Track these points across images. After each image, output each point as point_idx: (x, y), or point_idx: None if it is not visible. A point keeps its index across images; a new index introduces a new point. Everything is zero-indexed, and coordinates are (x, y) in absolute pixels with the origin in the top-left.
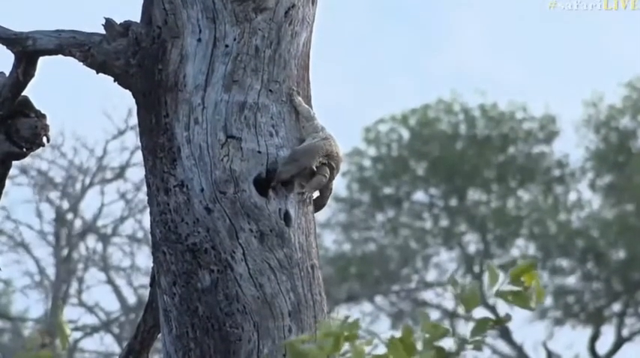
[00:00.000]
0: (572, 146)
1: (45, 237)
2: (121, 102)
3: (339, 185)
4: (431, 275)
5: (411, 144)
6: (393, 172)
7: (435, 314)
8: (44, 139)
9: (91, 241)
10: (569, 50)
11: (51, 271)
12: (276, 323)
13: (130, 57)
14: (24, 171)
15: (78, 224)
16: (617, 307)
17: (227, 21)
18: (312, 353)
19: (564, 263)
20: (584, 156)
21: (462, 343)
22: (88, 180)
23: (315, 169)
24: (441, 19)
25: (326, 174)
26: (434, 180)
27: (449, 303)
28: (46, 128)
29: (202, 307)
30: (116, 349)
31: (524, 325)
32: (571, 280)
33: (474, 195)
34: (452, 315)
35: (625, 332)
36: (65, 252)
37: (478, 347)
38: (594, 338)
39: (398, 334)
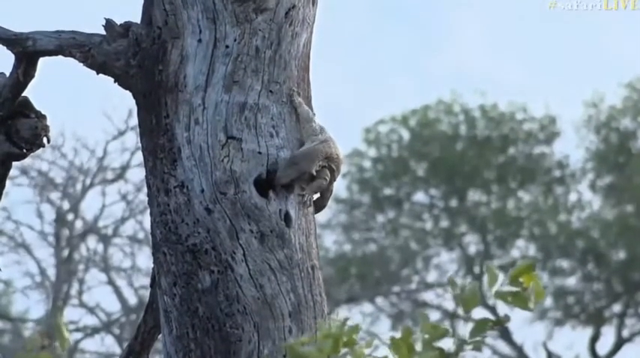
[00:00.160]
0: (572, 147)
1: (46, 238)
2: (122, 103)
3: (340, 186)
4: (431, 276)
5: (411, 144)
6: (394, 173)
7: (435, 315)
8: (44, 140)
9: (92, 242)
10: (569, 50)
11: (51, 272)
12: (277, 324)
13: (131, 58)
14: (24, 171)
15: (79, 225)
16: (617, 308)
17: (227, 22)
18: (311, 355)
19: (564, 263)
20: (585, 156)
21: (461, 344)
22: (88, 181)
23: (314, 173)
24: (440, 19)
25: (326, 177)
26: (434, 180)
27: (449, 304)
28: (46, 129)
29: (203, 308)
30: (117, 350)
31: (524, 325)
32: (571, 281)
33: (474, 195)
34: (452, 316)
35: (625, 333)
36: (66, 252)
37: (477, 347)
38: (594, 339)
39: (398, 335)
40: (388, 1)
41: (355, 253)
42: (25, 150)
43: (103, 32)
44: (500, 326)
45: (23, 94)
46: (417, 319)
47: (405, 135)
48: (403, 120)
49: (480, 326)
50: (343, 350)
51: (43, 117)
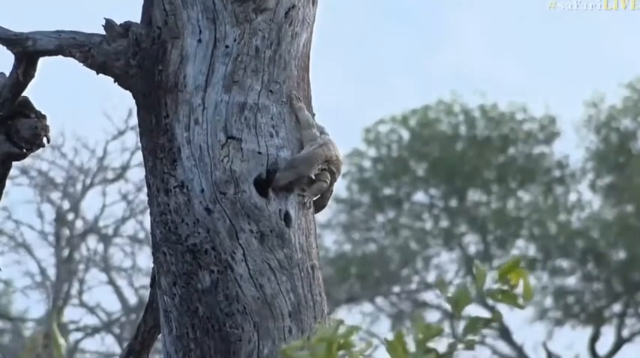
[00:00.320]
0: (572, 147)
1: (46, 238)
2: (122, 103)
3: (340, 186)
4: (431, 276)
5: (411, 144)
6: (393, 173)
7: (435, 315)
8: (44, 140)
9: (92, 242)
10: (569, 50)
11: (52, 272)
12: (277, 324)
13: (130, 58)
14: (24, 171)
15: (79, 224)
16: (617, 308)
17: (227, 22)
18: None
19: (564, 263)
20: (585, 156)
21: (453, 343)
22: (88, 181)
23: (314, 177)
24: (440, 19)
25: (326, 179)
26: (434, 180)
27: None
28: (46, 129)
29: (202, 307)
30: (117, 349)
31: (524, 325)
32: (571, 281)
33: (474, 195)
34: (452, 316)
35: (625, 333)
36: (66, 252)
37: (470, 346)
38: (594, 339)
39: (392, 337)
40: (388, 1)
41: (355, 253)
42: (25, 150)
43: (103, 32)
44: (497, 325)
45: (23, 94)
46: (418, 317)
47: (405, 135)
48: (403, 120)
49: (472, 326)
50: (340, 353)
51: (43, 117)
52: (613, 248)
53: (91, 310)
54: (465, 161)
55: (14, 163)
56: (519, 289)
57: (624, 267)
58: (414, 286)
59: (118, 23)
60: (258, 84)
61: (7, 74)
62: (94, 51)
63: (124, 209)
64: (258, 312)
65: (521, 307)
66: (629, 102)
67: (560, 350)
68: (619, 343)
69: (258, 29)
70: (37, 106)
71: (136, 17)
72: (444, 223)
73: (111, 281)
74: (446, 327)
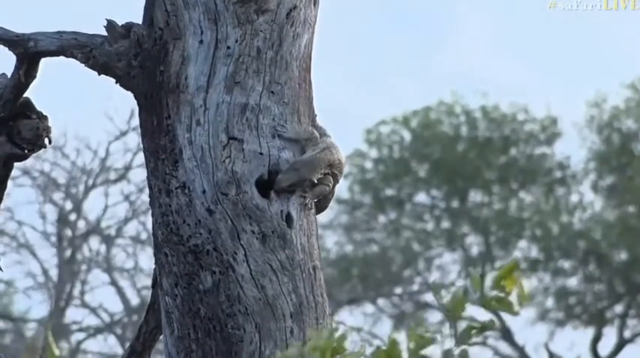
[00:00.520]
0: (573, 147)
1: (48, 239)
2: (123, 104)
3: (341, 186)
4: (433, 277)
5: (412, 145)
6: (395, 174)
7: (437, 317)
8: (46, 141)
9: (95, 242)
10: (569, 50)
11: (54, 272)
12: (278, 325)
13: (132, 58)
14: (27, 172)
15: (81, 225)
16: (619, 308)
17: (229, 22)
18: None
19: (566, 264)
20: (587, 156)
21: (448, 351)
22: (90, 182)
23: (316, 181)
24: (442, 20)
25: (329, 183)
26: (435, 181)
27: None
28: (47, 129)
29: (204, 308)
30: (119, 350)
31: (526, 326)
32: (573, 281)
33: (475, 196)
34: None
35: (627, 334)
36: (68, 253)
37: (464, 356)
38: (596, 340)
39: (397, 338)
40: (390, 1)
41: (357, 254)
42: (26, 151)
43: (105, 33)
44: (497, 326)
45: (25, 95)
46: (419, 320)
47: (407, 136)
48: (404, 121)
49: (467, 333)
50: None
51: (45, 118)
52: (615, 249)
53: (94, 311)
54: (466, 162)
55: (16, 164)
56: (516, 295)
57: (626, 267)
58: (415, 287)
59: (120, 24)
60: (259, 85)
61: (9, 75)
62: (95, 52)
63: (126, 210)
64: (259, 313)
65: (516, 314)
66: (631, 102)
67: (561, 351)
68: (621, 344)
69: (260, 30)
70: (39, 107)
71: (138, 18)
72: (446, 224)
73: (113, 282)
74: (447, 328)
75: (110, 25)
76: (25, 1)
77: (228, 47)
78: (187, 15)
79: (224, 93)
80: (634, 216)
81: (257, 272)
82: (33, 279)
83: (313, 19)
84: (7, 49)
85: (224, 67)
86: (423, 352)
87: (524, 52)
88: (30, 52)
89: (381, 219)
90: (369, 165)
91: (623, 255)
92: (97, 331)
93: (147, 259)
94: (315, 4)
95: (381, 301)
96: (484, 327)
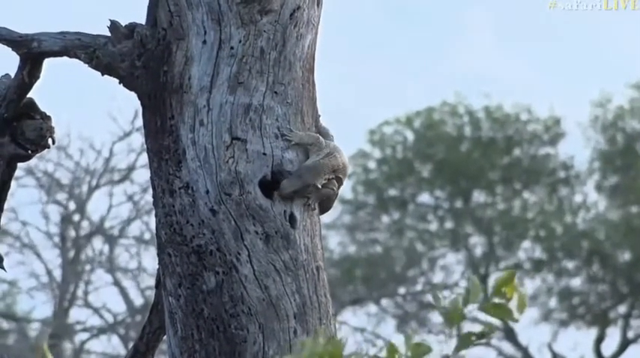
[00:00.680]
0: (576, 148)
1: (51, 239)
2: (127, 104)
3: (344, 187)
4: (437, 277)
5: (416, 146)
6: (398, 174)
7: (440, 318)
8: (50, 141)
9: (98, 243)
10: (570, 51)
11: (57, 273)
12: (282, 325)
13: (135, 59)
14: (30, 172)
15: (85, 225)
16: (622, 309)
17: (232, 23)
18: None
19: (570, 264)
20: (591, 156)
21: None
22: (94, 182)
23: (320, 187)
24: (445, 21)
25: (334, 187)
26: (439, 182)
27: None
28: (51, 130)
29: (207, 309)
30: (122, 350)
31: (529, 327)
32: (576, 282)
33: (479, 197)
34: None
35: (630, 334)
36: (72, 253)
37: None
38: (599, 340)
39: (400, 338)
40: (393, 2)
41: (360, 254)
42: (30, 152)
43: (108, 33)
44: (500, 326)
45: (28, 96)
46: (423, 320)
47: (410, 136)
48: (408, 121)
49: (465, 341)
50: None
51: (48, 118)
52: (618, 249)
53: (97, 311)
54: (470, 162)
55: (20, 164)
56: (515, 302)
57: (630, 268)
58: (419, 287)
59: (123, 24)
60: (263, 85)
61: (13, 75)
62: (99, 52)
63: (130, 210)
64: (263, 313)
65: (515, 320)
66: (636, 103)
67: (565, 351)
68: (624, 344)
69: (263, 30)
70: (43, 108)
71: (141, 18)
72: (449, 224)
73: (116, 282)
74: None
75: (113, 25)
76: (29, 2)
77: (232, 47)
78: (191, 15)
79: (227, 94)
80: (638, 216)
81: (260, 273)
82: (36, 280)
83: (316, 20)
84: (10, 49)
85: (227, 68)
86: None
87: (528, 52)
88: (33, 53)
89: (385, 219)
90: (372, 165)
91: (626, 256)
92: (101, 331)
93: (150, 259)
94: (318, 5)
95: (384, 301)
96: (483, 334)
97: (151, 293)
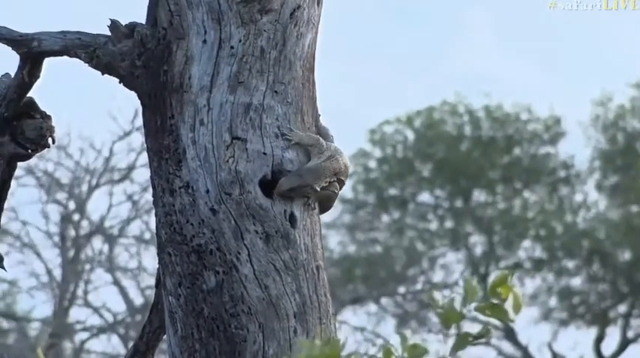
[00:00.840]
0: (577, 147)
1: (51, 238)
2: (127, 104)
3: (345, 186)
4: (437, 277)
5: (416, 145)
6: (399, 173)
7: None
8: (50, 141)
9: (98, 242)
10: (571, 50)
11: (57, 272)
12: (282, 325)
13: (136, 58)
14: (30, 171)
15: (85, 225)
16: (622, 308)
17: (232, 22)
18: None
19: (570, 264)
20: (592, 156)
21: None
22: (94, 181)
23: (319, 189)
24: (445, 20)
25: (335, 189)
26: (439, 181)
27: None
28: (51, 129)
29: (207, 308)
30: (122, 350)
31: (529, 326)
32: (576, 281)
33: (479, 196)
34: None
35: (630, 334)
36: (72, 253)
37: None
38: (599, 340)
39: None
40: (394, 1)
41: (360, 253)
42: (30, 151)
43: (108, 33)
44: (500, 325)
45: (28, 95)
46: (423, 320)
47: (410, 135)
48: (408, 120)
49: (462, 341)
50: None
51: (49, 117)
52: (619, 248)
53: (97, 310)
54: (470, 161)
55: (20, 163)
56: (511, 302)
57: (630, 267)
58: (419, 286)
59: (124, 24)
60: (263, 84)
61: (13, 75)
62: (99, 51)
63: (130, 209)
64: (263, 313)
65: (511, 321)
66: (636, 102)
67: (565, 350)
68: (624, 344)
69: (264, 30)
70: (43, 107)
71: (142, 18)
72: (450, 224)
73: (116, 282)
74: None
75: (114, 24)
76: (29, 1)
77: (232, 47)
78: (191, 15)
79: (227, 93)
80: (638, 215)
81: (260, 272)
82: (36, 279)
83: (317, 19)
84: (10, 48)
85: (228, 67)
86: None
87: (528, 52)
88: (34, 52)
89: (385, 218)
90: (372, 164)
91: (627, 255)
92: (101, 331)
93: (150, 259)
94: (318, 4)
95: (384, 300)
96: (480, 335)
97: (150, 293)
